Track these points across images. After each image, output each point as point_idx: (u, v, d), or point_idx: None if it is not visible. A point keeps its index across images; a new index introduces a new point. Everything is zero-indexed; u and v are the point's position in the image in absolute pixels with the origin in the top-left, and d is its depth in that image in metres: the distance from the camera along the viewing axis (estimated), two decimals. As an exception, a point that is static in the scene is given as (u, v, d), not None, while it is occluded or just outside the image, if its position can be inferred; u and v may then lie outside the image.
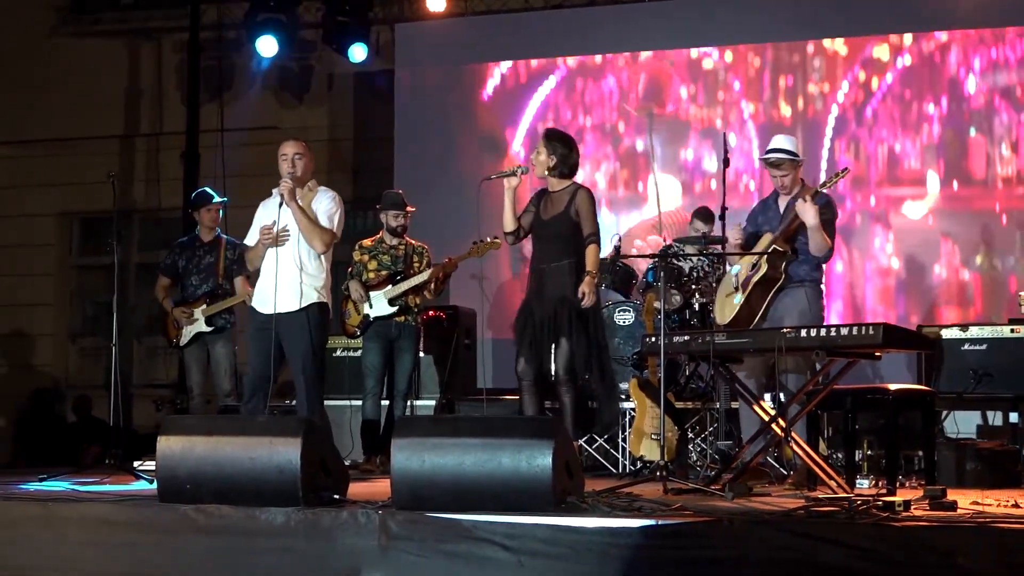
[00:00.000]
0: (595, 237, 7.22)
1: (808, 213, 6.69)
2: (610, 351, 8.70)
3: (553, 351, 7.04)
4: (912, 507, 5.11)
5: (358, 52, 11.73)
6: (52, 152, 13.32)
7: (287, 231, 7.00)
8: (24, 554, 5.09)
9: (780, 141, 7.26)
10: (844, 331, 5.83)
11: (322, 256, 7.15)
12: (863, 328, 5.77)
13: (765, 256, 6.86)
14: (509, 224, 7.31)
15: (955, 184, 10.29)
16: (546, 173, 7.24)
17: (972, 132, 10.23)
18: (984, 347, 8.53)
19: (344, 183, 12.68)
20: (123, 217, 13.08)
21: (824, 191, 6.94)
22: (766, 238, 6.98)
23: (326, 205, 7.21)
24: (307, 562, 4.81)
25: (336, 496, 5.11)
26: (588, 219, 7.17)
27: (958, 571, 4.23)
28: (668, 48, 11.08)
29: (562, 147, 7.24)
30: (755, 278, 6.92)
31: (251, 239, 7.34)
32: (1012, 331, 8.41)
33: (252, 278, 7.78)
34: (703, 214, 9.17)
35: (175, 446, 5.14)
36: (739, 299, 6.94)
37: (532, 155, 7.31)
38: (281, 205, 6.97)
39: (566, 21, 11.50)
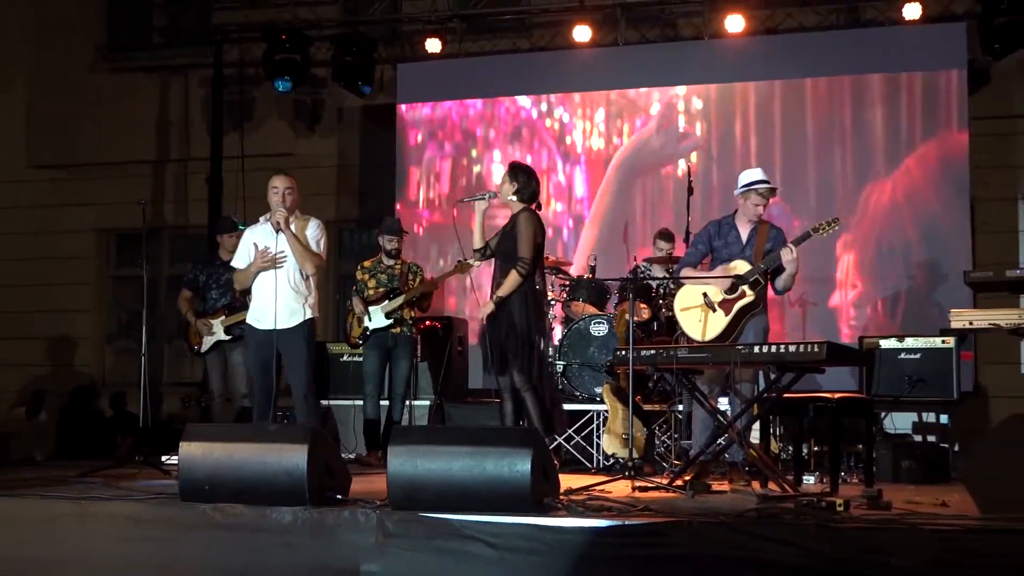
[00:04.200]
0: (522, 264, 6.92)
1: (793, 263, 6.76)
2: (585, 359, 8.76)
3: (512, 367, 6.96)
4: (852, 507, 5.08)
5: (363, 90, 11.76)
6: (91, 175, 13.27)
7: (284, 255, 7.01)
8: (60, 547, 5.07)
9: (761, 174, 7.23)
10: (792, 348, 5.81)
11: (311, 277, 7.18)
12: (809, 346, 5.76)
13: (750, 285, 6.89)
14: (477, 242, 7.22)
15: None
16: (509, 199, 7.13)
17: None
18: (918, 356, 8.53)
19: (352, 204, 12.73)
20: (154, 234, 13.14)
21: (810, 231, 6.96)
22: (742, 265, 6.96)
23: (313, 232, 7.23)
24: (312, 556, 4.80)
25: (339, 496, 5.09)
26: (523, 242, 6.93)
27: (892, 570, 4.21)
28: (631, 88, 11.06)
29: (523, 176, 7.14)
30: (742, 303, 6.90)
31: (239, 262, 7.32)
32: (943, 342, 8.41)
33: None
34: (665, 235, 9.12)
35: (195, 451, 5.11)
36: (723, 319, 6.91)
37: (498, 185, 7.21)
38: (278, 232, 6.99)
39: (544, 62, 11.50)
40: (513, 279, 6.93)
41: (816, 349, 5.70)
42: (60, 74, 13.45)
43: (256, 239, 7.20)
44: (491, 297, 7.10)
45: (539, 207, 7.27)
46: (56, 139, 13.39)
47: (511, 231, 7.06)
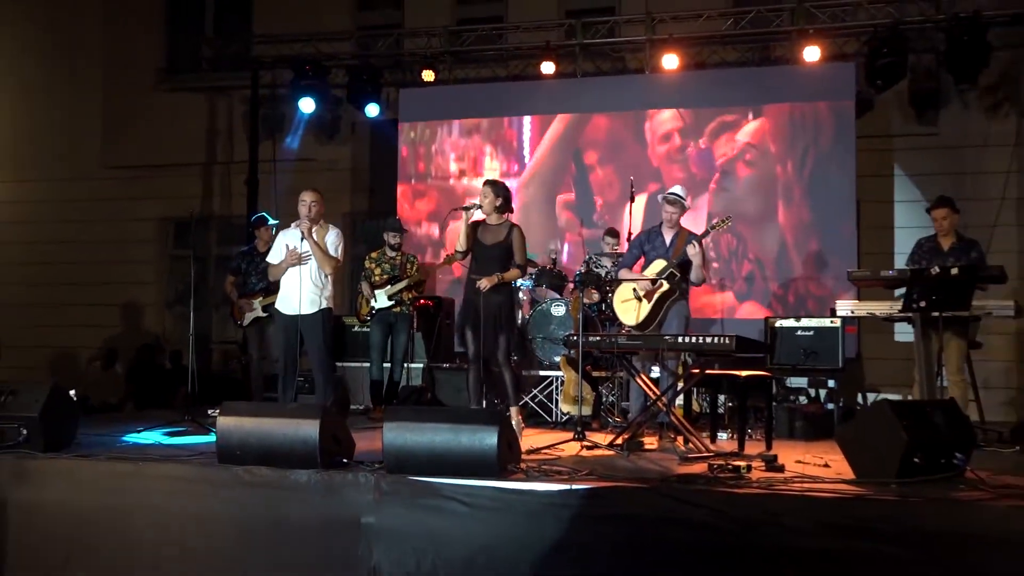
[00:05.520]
0: (523, 268, 6.99)
1: (697, 256, 6.74)
2: (547, 334, 8.75)
3: (496, 342, 6.84)
4: (753, 469, 5.10)
5: (372, 109, 11.61)
6: (153, 174, 13.11)
7: (308, 255, 7.03)
8: (123, 499, 5.06)
9: (677, 189, 7.26)
10: (708, 340, 5.84)
11: (329, 276, 7.16)
12: (722, 338, 5.78)
13: (667, 278, 6.88)
14: (463, 245, 6.90)
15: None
16: (492, 210, 6.95)
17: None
18: (811, 333, 8.55)
19: (362, 200, 12.62)
20: (203, 222, 13.05)
21: (699, 233, 6.96)
22: (661, 263, 6.96)
23: (333, 240, 7.20)
24: (322, 510, 4.79)
25: (344, 460, 5.07)
26: (519, 252, 6.86)
27: (783, 528, 4.21)
28: (587, 111, 10.93)
29: (503, 191, 7.00)
30: (660, 292, 6.90)
31: (274, 257, 7.31)
32: (831, 322, 8.44)
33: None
34: (612, 232, 9.10)
35: (230, 423, 5.08)
36: (647, 306, 6.91)
37: (480, 198, 6.97)
38: (303, 239, 6.97)
39: (518, 89, 11.40)
40: (515, 274, 6.88)
41: (727, 341, 5.72)
42: (128, 92, 13.31)
43: (287, 240, 7.18)
44: (471, 282, 6.89)
45: (511, 212, 7.17)
46: (125, 145, 13.27)
47: (505, 240, 6.87)
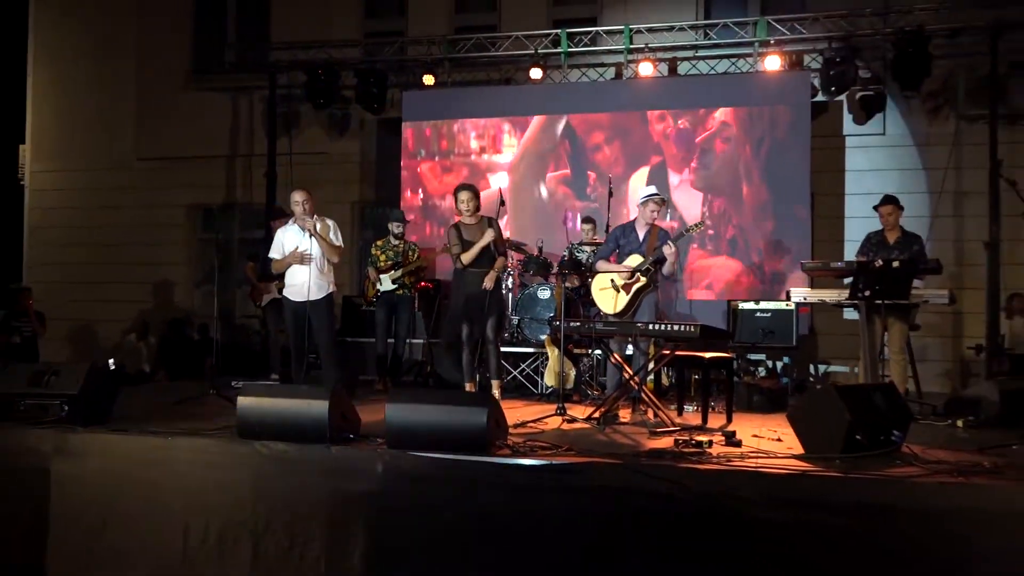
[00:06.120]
0: (503, 254, 7.14)
1: (672, 255, 6.76)
2: (533, 315, 8.76)
3: (487, 323, 6.98)
4: (713, 444, 5.11)
5: (378, 109, 11.56)
6: (182, 165, 13.03)
7: (311, 255, 7.00)
8: (153, 471, 5.08)
9: (654, 189, 7.22)
10: (675, 328, 5.81)
11: (332, 264, 7.16)
12: (688, 327, 5.77)
13: (644, 273, 6.89)
14: (458, 247, 7.05)
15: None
16: (474, 211, 7.06)
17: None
18: (769, 314, 8.61)
19: (369, 190, 12.58)
20: (228, 208, 13.02)
21: (683, 232, 6.96)
22: (637, 258, 6.96)
23: (332, 231, 7.18)
24: (331, 481, 4.80)
25: (351, 436, 5.09)
26: (501, 241, 7.03)
27: (740, 500, 4.23)
28: (571, 112, 10.90)
29: (476, 193, 7.12)
30: (637, 286, 6.90)
31: (274, 253, 7.27)
32: (787, 305, 8.48)
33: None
34: (588, 219, 9.10)
35: (250, 403, 5.08)
36: (625, 297, 6.92)
37: (461, 203, 7.04)
38: (310, 237, 6.93)
39: (509, 92, 11.35)
40: (502, 263, 7.09)
41: (693, 330, 5.71)
42: (159, 91, 13.21)
43: (286, 238, 7.15)
44: (464, 274, 7.08)
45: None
46: (156, 138, 13.19)
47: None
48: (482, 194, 7.37)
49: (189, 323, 12.71)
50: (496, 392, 6.86)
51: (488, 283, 6.94)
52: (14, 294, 11.51)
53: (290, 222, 7.17)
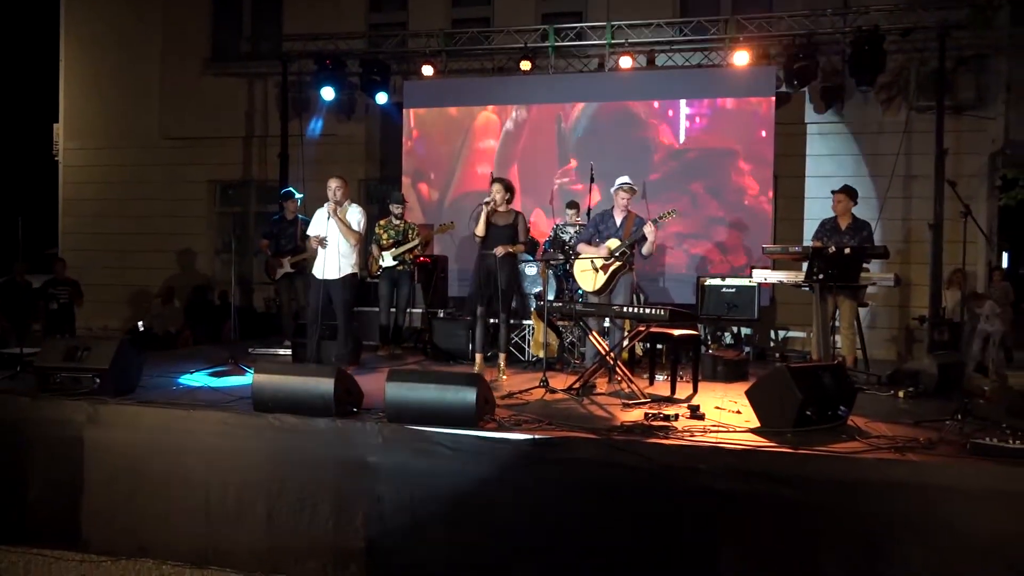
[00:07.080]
0: (524, 243, 7.08)
1: (652, 234, 6.74)
2: (522, 290, 8.77)
3: (501, 299, 6.98)
4: (680, 417, 5.12)
5: (381, 97, 11.44)
6: (203, 144, 12.99)
7: (327, 240, 7.02)
8: (175, 439, 5.10)
9: (627, 179, 7.19)
10: (647, 310, 5.82)
11: (354, 246, 7.12)
12: (658, 309, 5.80)
13: (619, 256, 6.88)
14: (481, 230, 6.97)
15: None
16: (503, 201, 6.99)
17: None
18: (734, 290, 8.63)
19: (374, 168, 12.54)
20: (244, 184, 12.98)
21: (656, 220, 6.94)
22: (615, 241, 6.95)
23: (356, 217, 7.14)
24: (336, 451, 4.84)
25: (355, 409, 5.11)
26: (523, 232, 7.00)
27: (701, 474, 4.28)
28: (559, 102, 10.82)
29: (510, 187, 7.05)
30: (614, 267, 6.90)
31: (312, 230, 7.26)
32: (749, 281, 8.50)
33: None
34: (572, 204, 9.05)
35: (264, 379, 5.08)
36: (603, 277, 6.93)
37: (492, 193, 6.97)
38: (328, 219, 6.93)
39: (501, 82, 11.23)
40: (520, 248, 7.03)
41: (662, 312, 5.74)
42: (181, 76, 13.10)
43: (321, 217, 7.17)
44: (484, 256, 7.02)
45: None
46: (179, 119, 13.11)
47: (512, 223, 6.99)
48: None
49: (210, 288, 12.71)
50: (502, 362, 7.03)
51: (499, 251, 6.87)
52: (50, 260, 11.50)
53: (325, 205, 7.17)
